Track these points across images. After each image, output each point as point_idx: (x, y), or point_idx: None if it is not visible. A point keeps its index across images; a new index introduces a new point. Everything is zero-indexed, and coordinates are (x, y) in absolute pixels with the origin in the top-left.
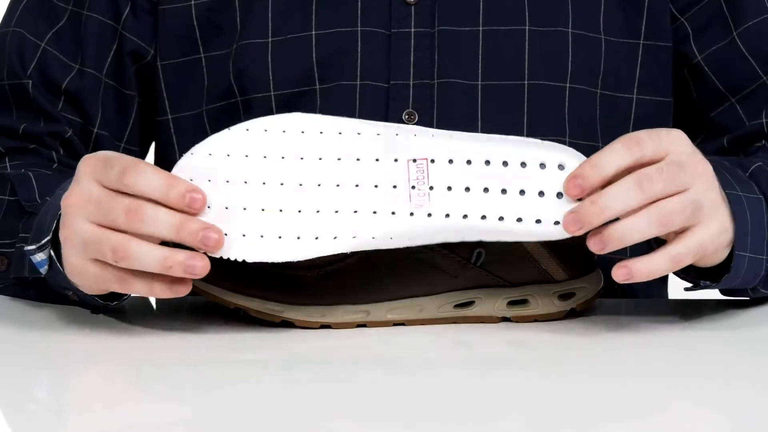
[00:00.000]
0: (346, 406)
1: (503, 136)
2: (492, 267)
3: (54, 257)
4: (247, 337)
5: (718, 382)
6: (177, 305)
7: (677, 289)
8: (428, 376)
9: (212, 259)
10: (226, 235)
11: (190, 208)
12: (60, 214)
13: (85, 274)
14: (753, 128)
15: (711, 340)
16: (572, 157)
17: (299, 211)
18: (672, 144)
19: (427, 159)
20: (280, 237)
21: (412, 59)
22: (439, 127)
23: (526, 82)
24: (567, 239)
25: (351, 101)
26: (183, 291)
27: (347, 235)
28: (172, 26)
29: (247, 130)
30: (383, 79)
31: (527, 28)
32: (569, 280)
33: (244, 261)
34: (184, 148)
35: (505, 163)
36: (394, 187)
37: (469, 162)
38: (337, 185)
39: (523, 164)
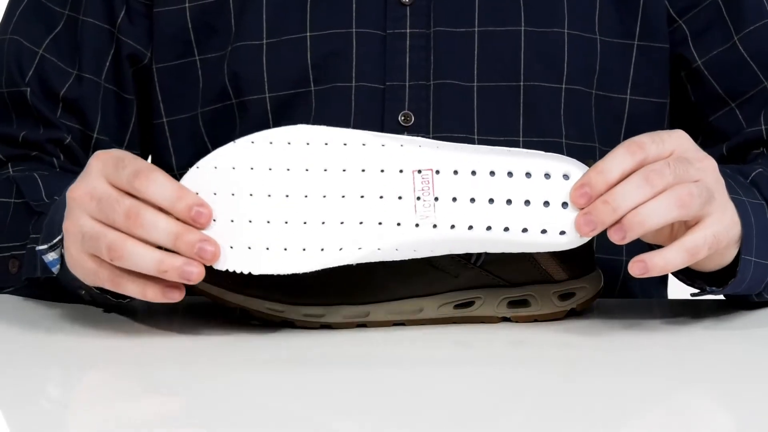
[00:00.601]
0: (346, 406)
1: (508, 148)
2: (492, 267)
3: (64, 253)
4: (247, 337)
5: (718, 382)
6: (177, 305)
7: (677, 290)
8: (428, 376)
9: None
10: (231, 247)
11: (195, 221)
12: None
13: (82, 267)
14: (752, 135)
15: (711, 340)
16: (576, 167)
17: (304, 223)
18: (675, 143)
19: (432, 170)
20: (285, 249)
21: (407, 60)
22: (435, 128)
23: (522, 83)
24: None
25: (346, 103)
26: (176, 297)
27: (352, 246)
28: (166, 28)
29: (252, 142)
30: (379, 80)
31: (523, 28)
32: (569, 280)
33: (249, 273)
34: (180, 151)
35: (510, 174)
36: (399, 198)
37: (474, 173)
38: (342, 196)
39: (528, 175)
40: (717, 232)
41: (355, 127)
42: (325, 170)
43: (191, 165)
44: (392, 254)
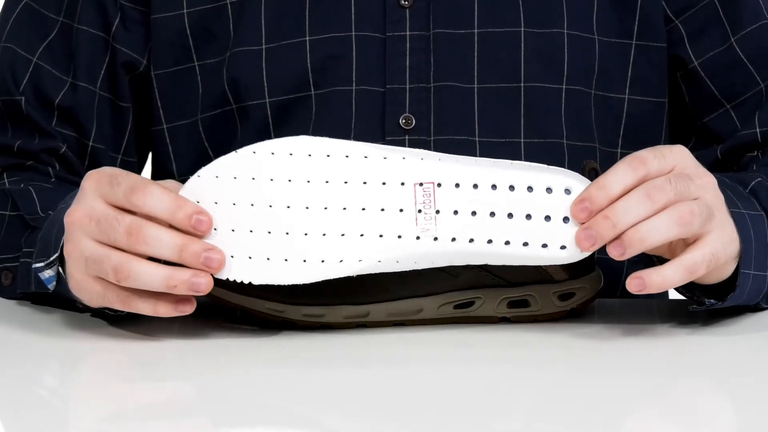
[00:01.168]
0: (347, 406)
1: (510, 161)
2: (492, 267)
3: (62, 273)
4: (247, 337)
5: (718, 382)
6: None
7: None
8: (428, 376)
9: None
10: (232, 257)
11: (195, 230)
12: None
13: (88, 290)
14: (746, 137)
15: (711, 340)
16: (578, 182)
17: (306, 234)
18: (676, 159)
19: (433, 183)
20: (286, 260)
21: (407, 63)
22: (436, 131)
23: (522, 84)
24: None
25: (347, 106)
26: (188, 310)
27: (353, 258)
28: (164, 35)
29: (254, 152)
30: (379, 83)
31: (522, 29)
32: (569, 280)
33: (250, 283)
34: (180, 157)
35: (511, 188)
36: (401, 210)
37: (475, 186)
38: (344, 208)
39: (530, 188)
40: (716, 250)
41: (356, 130)
42: (327, 182)
43: (192, 171)
44: (393, 266)
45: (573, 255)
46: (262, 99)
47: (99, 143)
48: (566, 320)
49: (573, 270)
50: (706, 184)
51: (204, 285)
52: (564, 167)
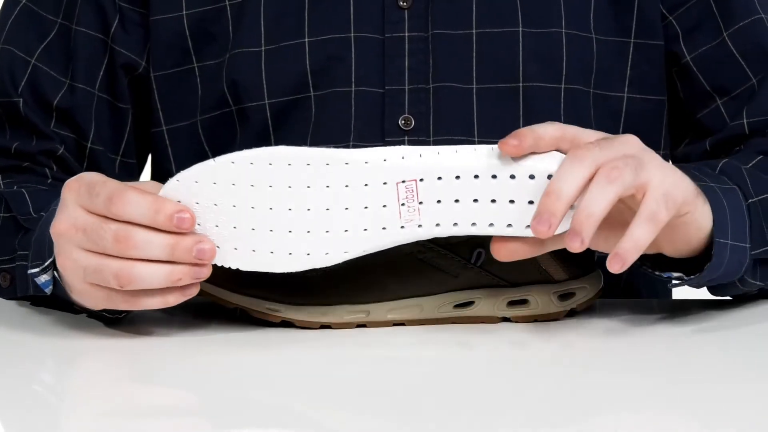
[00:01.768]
0: (347, 406)
1: (491, 147)
2: (492, 267)
3: (58, 277)
4: (247, 337)
5: (719, 382)
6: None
7: (679, 290)
8: (429, 376)
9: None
10: (218, 247)
11: (179, 228)
12: None
13: (91, 296)
14: (735, 129)
15: (711, 340)
16: (558, 163)
17: (290, 231)
18: (622, 144)
19: (416, 179)
20: (272, 252)
21: (406, 64)
22: (436, 131)
23: (521, 84)
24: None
25: (346, 108)
26: (194, 290)
27: (339, 251)
28: (163, 36)
29: (233, 162)
30: (378, 84)
31: (521, 29)
32: (569, 280)
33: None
34: (180, 159)
35: (494, 176)
36: (384, 206)
37: (458, 177)
38: (327, 209)
39: (512, 176)
40: (666, 189)
41: (355, 131)
42: (309, 187)
43: None
44: (378, 250)
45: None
46: (261, 101)
47: (97, 145)
48: (566, 320)
49: (573, 270)
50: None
51: (205, 271)
52: None
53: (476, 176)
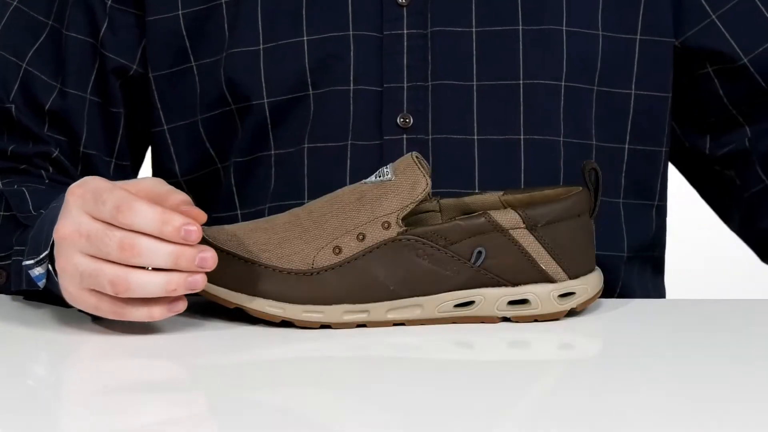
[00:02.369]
0: (347, 407)
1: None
2: (492, 267)
3: (52, 271)
4: (247, 337)
5: (719, 382)
6: None
7: (677, 290)
8: (429, 377)
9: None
10: None
11: (186, 240)
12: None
13: (82, 303)
14: None
15: (711, 339)
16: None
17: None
18: None
19: None
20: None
21: (405, 61)
22: (435, 130)
23: (521, 81)
24: (567, 239)
25: (345, 106)
26: (181, 307)
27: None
28: (161, 36)
29: None
30: (376, 82)
31: (520, 27)
32: (569, 280)
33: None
34: (181, 158)
35: None
36: None
37: None
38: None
39: None
40: None
41: (354, 130)
42: None
43: (193, 171)
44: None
45: None
46: (260, 99)
47: (91, 149)
48: (566, 320)
49: (573, 270)
50: None
51: (201, 281)
52: (560, 165)
53: None
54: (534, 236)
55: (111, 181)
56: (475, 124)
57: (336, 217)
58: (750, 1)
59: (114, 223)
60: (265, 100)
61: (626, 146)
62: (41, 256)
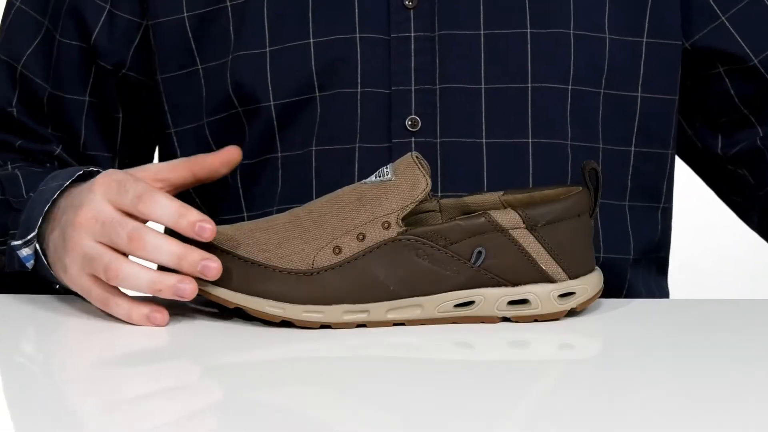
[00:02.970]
0: (346, 408)
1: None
2: (492, 267)
3: (40, 251)
4: (247, 336)
5: (719, 382)
6: (177, 304)
7: (678, 290)
8: (429, 377)
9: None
10: None
11: (199, 236)
12: (46, 211)
13: (78, 285)
14: None
15: (711, 339)
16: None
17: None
18: None
19: None
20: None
21: (413, 64)
22: (443, 133)
23: (529, 84)
24: (567, 239)
25: (352, 109)
26: (159, 320)
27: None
28: (167, 39)
29: None
30: (384, 85)
31: (528, 30)
32: (569, 280)
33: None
34: None
35: None
36: None
37: None
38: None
39: None
40: None
41: (362, 133)
42: None
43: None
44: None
45: None
46: (267, 102)
47: (92, 150)
48: (566, 320)
49: (573, 270)
50: None
51: (188, 291)
52: (567, 168)
53: None
54: (534, 236)
55: (135, 174)
56: (483, 128)
57: (336, 217)
58: (759, 3)
59: (133, 211)
60: (272, 103)
61: (633, 149)
62: (28, 237)
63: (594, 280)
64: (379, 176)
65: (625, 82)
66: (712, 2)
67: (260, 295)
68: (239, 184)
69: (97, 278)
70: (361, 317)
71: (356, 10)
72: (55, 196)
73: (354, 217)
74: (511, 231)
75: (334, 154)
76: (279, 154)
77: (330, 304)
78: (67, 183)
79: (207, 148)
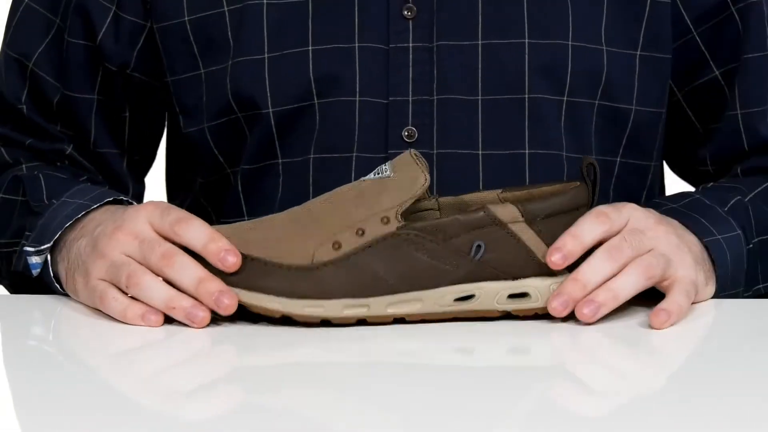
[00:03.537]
0: (346, 411)
1: None
2: (491, 261)
3: (49, 262)
4: (247, 332)
5: (720, 382)
6: None
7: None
8: (429, 378)
9: None
10: None
11: (222, 264)
12: (66, 227)
13: (89, 287)
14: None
15: (712, 340)
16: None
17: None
18: (629, 213)
19: None
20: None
21: (410, 75)
22: (440, 144)
23: (526, 95)
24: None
25: (350, 118)
26: (153, 322)
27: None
28: (171, 43)
29: None
30: (381, 95)
31: (526, 41)
32: (568, 273)
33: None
34: (196, 165)
35: None
36: None
37: None
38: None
39: None
40: (693, 281)
41: (359, 142)
42: None
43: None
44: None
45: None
46: (266, 109)
47: (101, 148)
48: (566, 321)
49: (573, 264)
50: (658, 236)
51: (200, 318)
52: (563, 179)
53: None
54: (533, 230)
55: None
56: (480, 139)
57: (335, 213)
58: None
59: (170, 233)
60: (271, 110)
61: (618, 159)
62: (43, 247)
63: None
64: (378, 173)
65: (620, 94)
66: (686, 17)
67: (260, 291)
68: (240, 189)
69: (111, 283)
70: (361, 312)
71: (356, 19)
72: (80, 215)
73: (353, 212)
74: (510, 225)
75: (332, 162)
76: (280, 161)
77: (330, 298)
78: (95, 206)
79: (209, 153)
